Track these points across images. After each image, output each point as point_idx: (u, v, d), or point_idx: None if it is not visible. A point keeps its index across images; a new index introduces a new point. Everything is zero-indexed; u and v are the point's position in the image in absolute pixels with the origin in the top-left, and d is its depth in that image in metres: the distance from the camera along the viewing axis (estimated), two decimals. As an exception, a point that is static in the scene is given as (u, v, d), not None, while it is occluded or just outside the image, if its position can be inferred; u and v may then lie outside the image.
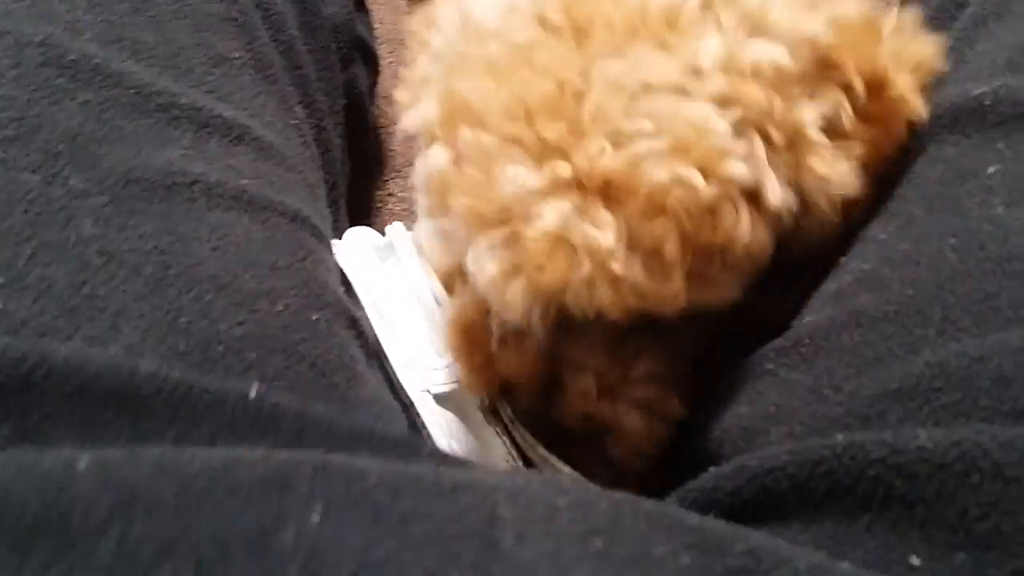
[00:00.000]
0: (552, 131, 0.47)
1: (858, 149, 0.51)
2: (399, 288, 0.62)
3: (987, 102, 0.49)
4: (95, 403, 0.38)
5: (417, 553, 0.33)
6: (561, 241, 0.47)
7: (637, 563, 0.34)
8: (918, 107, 0.52)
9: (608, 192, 0.46)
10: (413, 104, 0.57)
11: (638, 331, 0.55)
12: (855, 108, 0.51)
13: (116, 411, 0.38)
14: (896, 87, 0.51)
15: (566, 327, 0.53)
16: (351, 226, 0.70)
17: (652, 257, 0.47)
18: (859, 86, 0.50)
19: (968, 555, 0.35)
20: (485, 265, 0.49)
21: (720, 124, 0.47)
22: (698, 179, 0.46)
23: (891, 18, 0.55)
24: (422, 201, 0.53)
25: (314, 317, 0.51)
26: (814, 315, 0.50)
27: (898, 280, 0.46)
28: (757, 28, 0.50)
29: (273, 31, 0.65)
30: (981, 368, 0.39)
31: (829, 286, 0.51)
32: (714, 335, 0.58)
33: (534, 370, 0.58)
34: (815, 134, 0.50)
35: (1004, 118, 0.48)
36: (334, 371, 0.50)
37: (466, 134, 0.49)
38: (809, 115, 0.50)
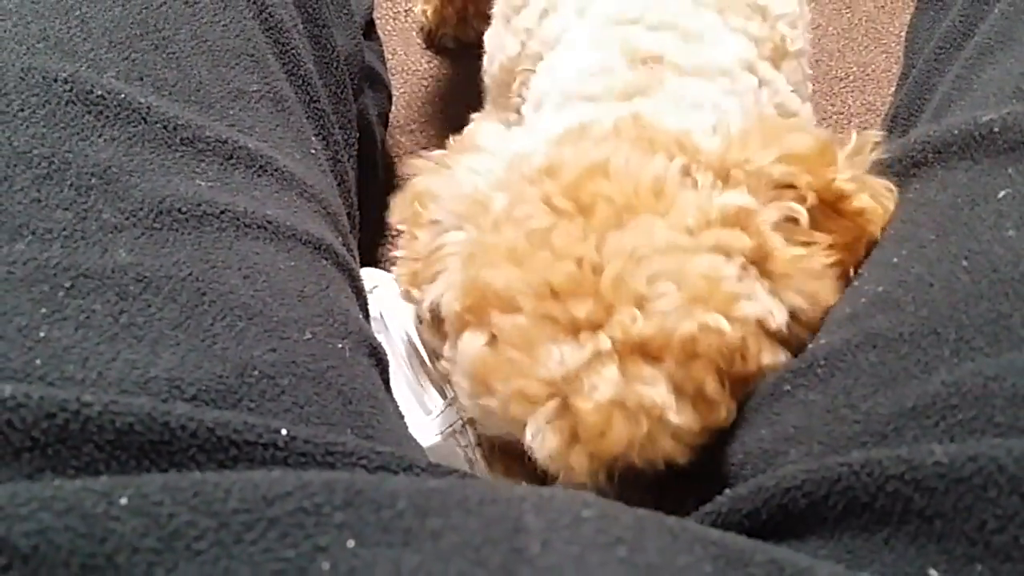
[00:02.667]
0: (582, 308, 0.50)
1: (823, 244, 0.55)
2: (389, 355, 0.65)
3: (996, 129, 0.50)
4: (131, 451, 0.39)
5: (447, 562, 0.34)
6: (617, 405, 0.50)
7: (661, 571, 0.35)
8: (877, 218, 0.56)
9: (645, 352, 0.50)
10: (428, 281, 0.61)
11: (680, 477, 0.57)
12: (812, 218, 0.55)
13: (152, 459, 0.39)
14: (854, 201, 0.55)
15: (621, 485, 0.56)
16: (363, 252, 0.72)
17: (699, 398, 0.51)
18: (812, 198, 0.55)
19: (986, 567, 0.35)
20: (546, 439, 0.51)
21: (728, 270, 0.52)
22: (723, 323, 0.50)
23: (847, 145, 0.59)
24: (463, 385, 0.55)
25: (339, 345, 0.52)
26: (830, 337, 0.51)
27: (912, 302, 0.47)
28: (724, 178, 0.55)
29: (290, 66, 0.66)
30: (996, 387, 0.40)
31: (844, 309, 0.52)
32: None
33: None
34: (773, 235, 0.54)
35: (1013, 144, 0.49)
36: (360, 400, 0.51)
37: (501, 319, 0.52)
38: (769, 217, 0.55)
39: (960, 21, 0.65)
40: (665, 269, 0.51)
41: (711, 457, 0.55)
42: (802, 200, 0.55)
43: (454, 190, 0.61)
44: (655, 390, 0.50)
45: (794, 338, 0.55)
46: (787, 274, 0.54)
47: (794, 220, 0.55)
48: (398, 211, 0.67)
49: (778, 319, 0.53)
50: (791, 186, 0.55)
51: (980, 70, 0.57)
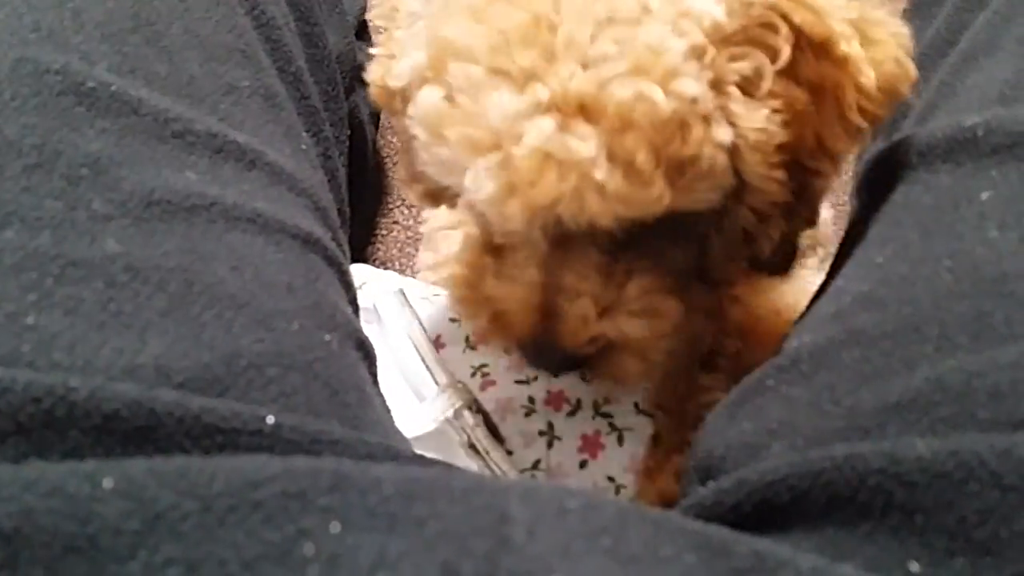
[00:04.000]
0: (527, 58, 0.51)
1: (775, 105, 0.54)
2: (379, 348, 0.65)
3: (980, 132, 0.51)
4: (117, 436, 0.39)
5: (432, 549, 0.34)
6: (548, 157, 0.51)
7: (644, 560, 0.35)
8: (865, 76, 0.55)
9: (583, 110, 0.51)
10: (400, 58, 0.60)
11: (628, 250, 0.60)
12: (786, 70, 0.54)
13: (138, 444, 0.39)
14: (842, 47, 0.54)
15: (559, 251, 0.59)
16: (353, 251, 0.72)
17: (629, 167, 0.52)
18: (786, 51, 0.54)
19: (966, 560, 0.36)
20: (483, 185, 0.53)
21: (675, 44, 0.51)
22: (658, 94, 0.50)
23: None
24: (420, 136, 0.56)
25: (327, 338, 0.52)
26: (814, 335, 0.51)
27: (896, 300, 0.47)
28: None
29: (281, 63, 0.67)
30: (977, 383, 0.40)
31: (828, 308, 0.53)
32: (699, 248, 0.63)
33: (532, 299, 0.62)
34: (731, 89, 0.54)
35: (996, 147, 0.50)
36: (346, 391, 0.51)
37: (456, 69, 0.53)
38: (730, 75, 0.54)
39: (945, 28, 0.66)
40: (615, 34, 0.51)
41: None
42: (774, 52, 0.54)
43: None
44: (585, 145, 0.50)
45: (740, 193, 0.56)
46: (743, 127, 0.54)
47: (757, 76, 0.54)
48: (376, 8, 0.67)
49: (720, 127, 0.53)
50: (770, 25, 0.54)
51: (964, 76, 0.58)
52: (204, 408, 0.40)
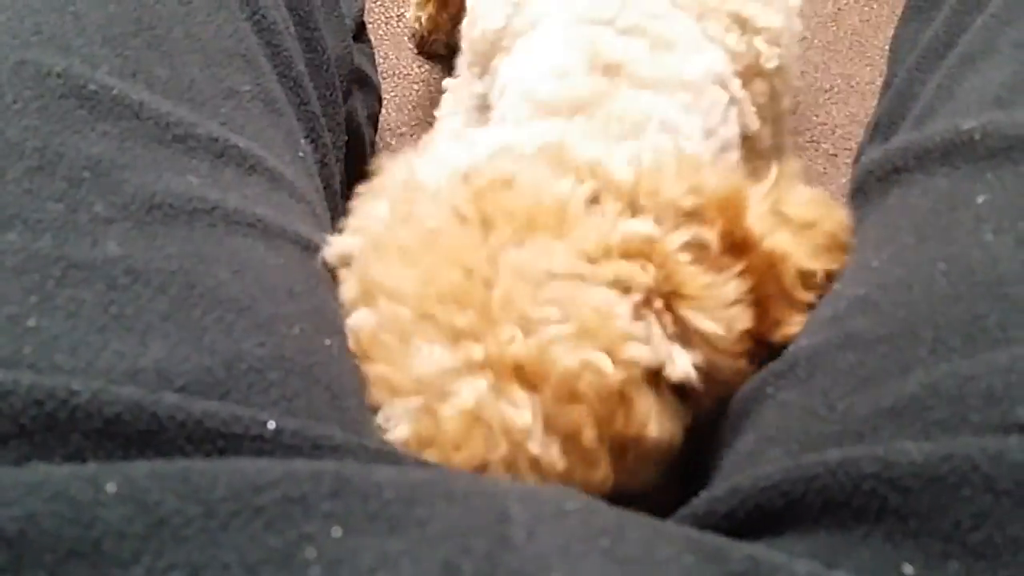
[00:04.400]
0: (463, 319, 0.49)
1: (734, 268, 0.54)
2: None
3: (976, 136, 0.51)
4: (118, 440, 0.39)
5: (433, 548, 0.34)
6: (477, 420, 0.48)
7: (642, 562, 0.35)
8: (799, 259, 0.55)
9: (522, 376, 0.49)
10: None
11: None
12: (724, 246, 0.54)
13: (139, 448, 0.39)
14: (765, 242, 0.54)
15: None
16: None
17: (570, 442, 0.49)
18: (715, 241, 0.54)
19: (961, 564, 0.36)
20: (398, 430, 0.51)
21: (621, 308, 0.50)
22: (605, 363, 0.49)
23: (764, 184, 0.58)
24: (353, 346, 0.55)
25: (327, 342, 0.53)
26: (810, 339, 0.52)
27: (891, 304, 0.48)
28: (633, 208, 0.54)
29: (282, 67, 0.67)
30: (971, 386, 0.40)
31: (825, 311, 0.53)
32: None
33: None
34: (682, 258, 0.53)
35: (992, 151, 0.50)
36: (346, 395, 0.51)
37: (383, 306, 0.52)
38: (675, 242, 0.53)
39: (943, 31, 0.66)
40: (556, 296, 0.50)
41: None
42: (711, 227, 0.54)
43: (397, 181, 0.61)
44: (519, 412, 0.48)
45: (709, 390, 0.54)
46: (699, 297, 0.52)
47: (703, 246, 0.54)
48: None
49: (680, 366, 0.52)
50: (700, 217, 0.54)
51: (962, 79, 0.58)
52: (206, 412, 0.40)
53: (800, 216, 0.57)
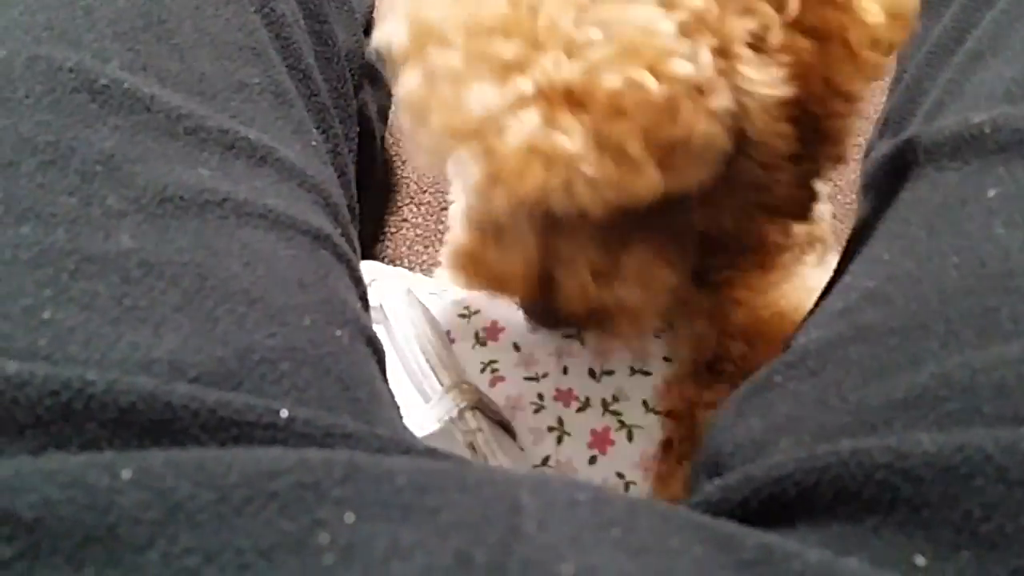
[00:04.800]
0: (510, 49, 0.49)
1: (785, 60, 0.53)
2: (386, 347, 0.65)
3: (986, 130, 0.51)
4: (133, 429, 0.39)
5: (445, 537, 0.34)
6: (533, 150, 0.50)
7: (653, 551, 0.36)
8: (871, 14, 0.54)
9: (570, 100, 0.49)
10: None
11: (623, 222, 0.58)
12: (791, 22, 0.53)
13: (154, 437, 0.39)
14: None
15: (554, 226, 0.58)
16: (363, 248, 0.72)
17: (620, 155, 0.50)
18: (794, 3, 0.52)
19: (972, 554, 0.36)
20: (468, 174, 0.52)
21: (665, 25, 0.50)
22: (650, 80, 0.49)
23: None
24: (404, 120, 0.56)
25: (337, 333, 0.53)
26: (821, 331, 0.52)
27: (902, 296, 0.48)
28: None
29: (291, 60, 0.67)
30: (983, 378, 0.40)
31: (836, 304, 0.53)
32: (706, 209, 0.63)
33: (529, 270, 0.63)
34: (742, 48, 0.52)
35: (1003, 145, 0.50)
36: (357, 386, 0.52)
37: (434, 55, 0.52)
38: (737, 31, 0.52)
39: (953, 27, 0.66)
40: (600, 16, 0.49)
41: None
42: (779, 4, 0.53)
43: None
44: (572, 139, 0.49)
45: (745, 145, 0.55)
46: (751, 81, 0.53)
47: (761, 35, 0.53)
48: None
49: (719, 95, 0.52)
50: None
51: (972, 74, 0.58)
52: (219, 401, 0.41)
53: None
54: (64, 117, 0.49)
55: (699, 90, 0.51)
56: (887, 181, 0.57)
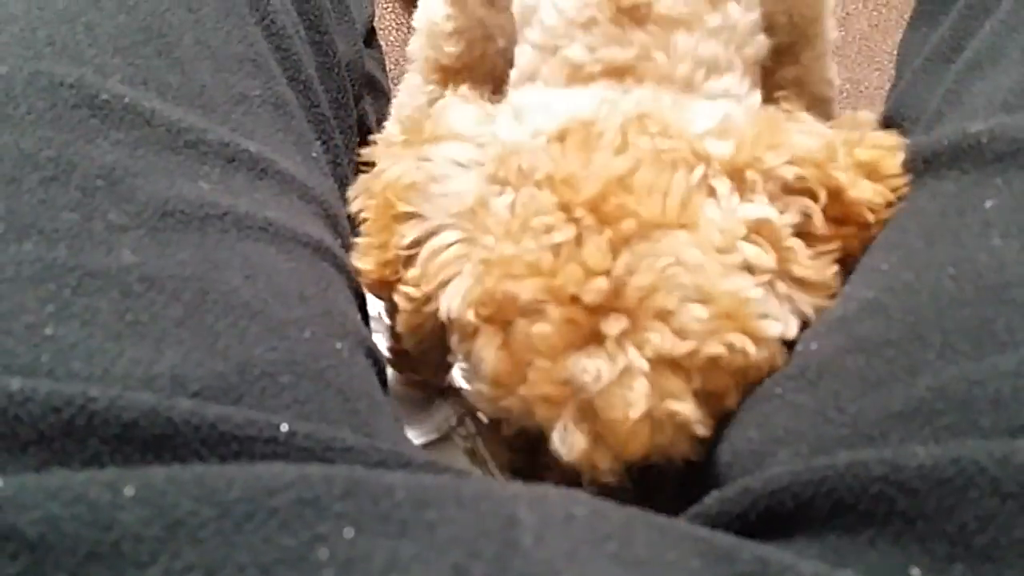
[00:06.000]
0: (614, 324, 0.51)
1: (834, 246, 0.56)
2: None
3: (984, 140, 0.51)
4: (135, 445, 0.39)
5: (443, 552, 0.35)
6: (647, 419, 0.51)
7: (649, 565, 0.36)
8: (875, 203, 0.56)
9: (676, 369, 0.51)
10: (427, 279, 0.60)
11: None
12: (825, 215, 0.56)
13: (156, 452, 0.40)
14: (852, 192, 0.56)
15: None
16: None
17: (719, 408, 0.54)
18: (823, 195, 0.55)
19: (967, 567, 0.36)
20: (575, 441, 0.53)
21: (755, 292, 0.53)
22: (749, 345, 0.52)
23: (842, 132, 0.60)
24: (483, 390, 0.57)
25: (338, 345, 0.53)
26: (820, 342, 0.52)
27: (900, 308, 0.48)
28: (738, 183, 0.55)
29: (292, 71, 0.67)
30: (979, 391, 0.41)
31: (834, 313, 0.53)
32: None
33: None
34: (791, 240, 0.55)
35: (1000, 155, 0.50)
36: (358, 398, 0.52)
37: (524, 326, 0.53)
38: (785, 225, 0.55)
39: (950, 35, 0.66)
40: (694, 285, 0.51)
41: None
42: (814, 200, 0.56)
43: (440, 185, 0.60)
44: (684, 405, 0.51)
45: None
46: (811, 282, 0.55)
47: (808, 222, 0.56)
48: (361, 199, 0.65)
49: (792, 331, 0.55)
50: (803, 189, 0.56)
51: (970, 84, 0.59)
52: (220, 416, 0.41)
53: (865, 158, 0.58)
54: (65, 133, 0.49)
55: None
56: None
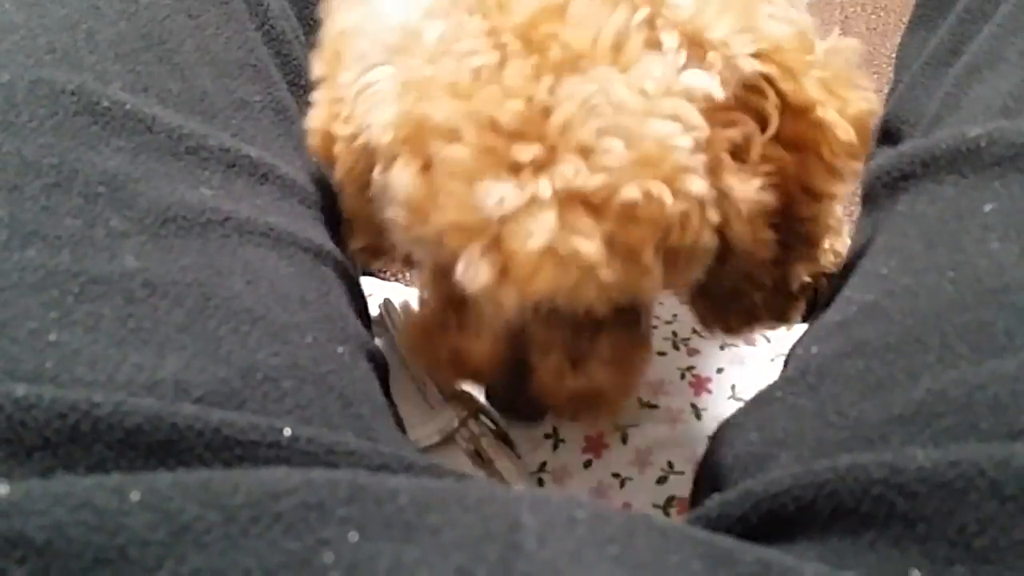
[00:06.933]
0: (527, 151, 0.49)
1: (765, 170, 0.54)
2: (389, 358, 0.65)
3: (983, 144, 0.51)
4: (139, 450, 0.40)
5: (446, 555, 0.35)
6: (551, 252, 0.50)
7: (651, 567, 0.36)
8: (841, 131, 0.55)
9: (587, 205, 0.49)
10: (357, 115, 0.57)
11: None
12: (775, 133, 0.54)
13: (160, 458, 0.40)
14: (818, 112, 0.54)
15: (531, 311, 0.57)
16: (363, 264, 0.73)
17: (632, 259, 0.51)
18: (775, 118, 0.54)
19: (966, 568, 0.36)
20: (478, 272, 0.51)
21: (683, 141, 0.51)
22: (667, 195, 0.50)
23: (826, 42, 0.58)
24: (398, 216, 0.54)
25: (340, 350, 0.53)
26: (820, 345, 0.52)
27: (899, 311, 0.48)
28: (694, 50, 0.52)
29: (292, 76, 0.68)
30: (979, 394, 0.41)
31: (834, 317, 0.53)
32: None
33: (503, 356, 0.62)
34: (726, 159, 0.53)
35: (999, 159, 0.51)
36: (360, 402, 0.52)
37: (441, 148, 0.50)
38: (723, 143, 0.53)
39: (949, 39, 0.66)
40: (619, 124, 0.49)
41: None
42: (763, 119, 0.54)
43: (380, 22, 0.57)
44: (590, 244, 0.49)
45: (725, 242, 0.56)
46: (734, 194, 0.54)
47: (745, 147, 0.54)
48: (319, 60, 0.63)
49: (713, 209, 0.53)
50: (759, 92, 0.54)
51: (968, 88, 0.59)
52: (223, 421, 0.41)
53: (843, 93, 0.56)
54: (67, 140, 0.50)
55: (703, 203, 0.53)
56: (885, 192, 0.58)
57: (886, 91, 0.79)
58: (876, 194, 0.59)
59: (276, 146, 0.62)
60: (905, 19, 0.80)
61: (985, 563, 0.36)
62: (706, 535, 0.40)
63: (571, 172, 0.49)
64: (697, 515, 0.47)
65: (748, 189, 0.54)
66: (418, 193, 0.52)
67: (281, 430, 0.42)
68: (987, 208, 0.49)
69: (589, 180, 0.49)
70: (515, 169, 0.49)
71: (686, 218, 0.52)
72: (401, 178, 0.52)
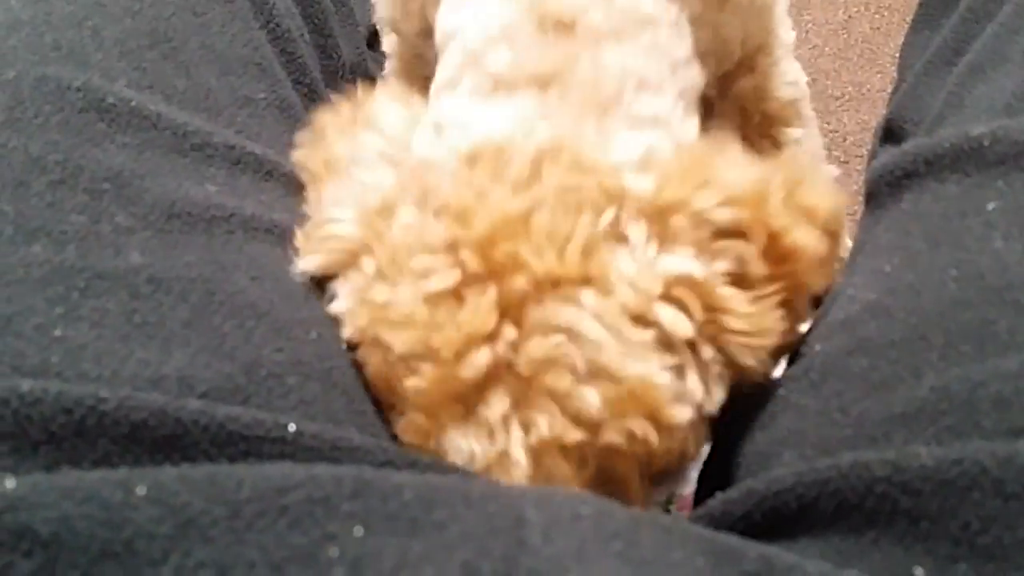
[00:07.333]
0: (496, 406, 0.48)
1: (776, 287, 0.53)
2: None
3: (986, 142, 0.51)
4: (145, 445, 0.40)
5: (452, 551, 0.35)
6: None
7: (655, 564, 0.36)
8: (813, 248, 0.54)
9: (569, 456, 0.48)
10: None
11: None
12: (764, 256, 0.52)
13: (165, 452, 0.40)
14: (790, 238, 0.53)
15: None
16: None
17: (615, 486, 0.50)
18: (761, 240, 0.52)
19: (970, 566, 0.36)
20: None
21: (663, 378, 0.49)
22: (652, 434, 0.48)
23: (780, 173, 0.56)
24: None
25: (343, 346, 0.53)
26: (823, 343, 0.52)
27: (902, 309, 0.48)
28: (661, 229, 0.50)
29: (296, 74, 0.68)
30: (982, 392, 0.41)
31: (837, 315, 0.53)
32: None
33: None
34: (723, 290, 0.51)
35: (1002, 157, 0.50)
36: (364, 398, 0.52)
37: (404, 376, 0.49)
38: (717, 275, 0.51)
39: (952, 38, 0.66)
40: (592, 364, 0.47)
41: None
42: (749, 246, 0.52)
43: (361, 171, 0.56)
44: (569, 485, 0.48)
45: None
46: (744, 331, 0.51)
47: (744, 267, 0.52)
48: (308, 158, 0.62)
49: (714, 403, 0.52)
50: (737, 232, 0.52)
51: (972, 87, 0.59)
52: (228, 417, 0.41)
53: (807, 203, 0.55)
54: (73, 136, 0.50)
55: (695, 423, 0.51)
56: (888, 191, 0.58)
57: (889, 91, 0.79)
58: (879, 192, 0.59)
59: (281, 143, 0.62)
60: (908, 19, 0.81)
61: (988, 561, 0.36)
62: (709, 533, 0.40)
63: (545, 425, 0.47)
64: (700, 513, 0.47)
65: (764, 321, 0.52)
66: (379, 385, 0.52)
67: (286, 425, 0.43)
68: (990, 206, 0.49)
69: (566, 432, 0.47)
70: (482, 421, 0.48)
71: (679, 436, 0.50)
72: (366, 360, 0.52)
